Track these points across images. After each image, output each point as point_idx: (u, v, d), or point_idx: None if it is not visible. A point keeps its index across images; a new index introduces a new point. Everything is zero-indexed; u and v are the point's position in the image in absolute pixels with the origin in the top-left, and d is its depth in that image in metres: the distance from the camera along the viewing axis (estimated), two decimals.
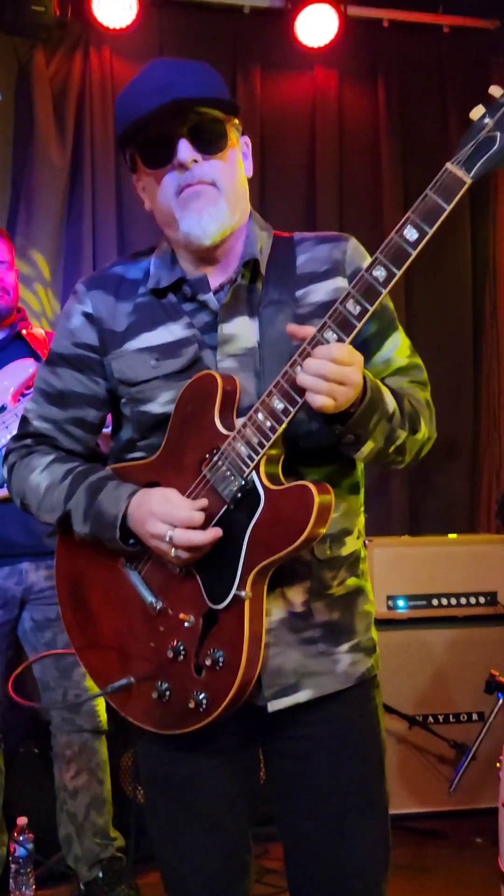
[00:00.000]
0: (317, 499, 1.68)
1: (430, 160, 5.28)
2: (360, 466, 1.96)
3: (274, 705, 1.85)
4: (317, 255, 1.92)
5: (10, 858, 3.44)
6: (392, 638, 4.07)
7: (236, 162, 1.88)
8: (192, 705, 1.79)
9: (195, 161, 1.80)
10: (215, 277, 1.91)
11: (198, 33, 4.95)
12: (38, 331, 3.53)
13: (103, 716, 3.48)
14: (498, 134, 1.59)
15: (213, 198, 1.82)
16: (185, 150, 1.80)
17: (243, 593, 1.74)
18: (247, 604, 1.75)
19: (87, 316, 1.95)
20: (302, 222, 5.05)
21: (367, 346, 1.89)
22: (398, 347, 1.94)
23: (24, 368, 3.42)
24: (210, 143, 1.82)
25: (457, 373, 5.33)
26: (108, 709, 3.49)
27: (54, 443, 2.00)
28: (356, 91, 5.26)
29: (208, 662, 1.78)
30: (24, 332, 3.54)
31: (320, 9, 4.89)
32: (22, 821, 3.48)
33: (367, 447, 1.77)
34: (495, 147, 1.60)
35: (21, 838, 3.44)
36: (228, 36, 5.04)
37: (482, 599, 4.21)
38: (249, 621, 1.75)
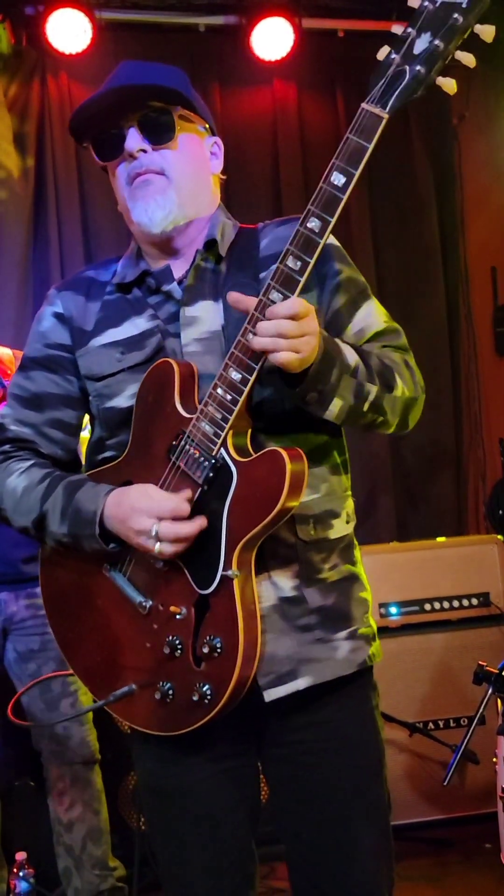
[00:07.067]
0: (289, 464, 1.67)
1: (392, 165, 5.33)
2: (343, 447, 1.94)
3: (270, 694, 1.81)
4: (278, 235, 1.93)
5: (12, 895, 3.36)
6: (387, 646, 3.96)
7: (193, 153, 1.90)
8: (196, 698, 1.75)
9: (143, 150, 1.85)
10: (178, 268, 1.93)
11: (154, 54, 4.93)
12: (4, 350, 3.48)
13: (95, 745, 3.41)
14: (406, 67, 1.62)
15: (162, 187, 1.86)
16: (132, 139, 1.84)
17: (231, 572, 1.71)
18: (235, 583, 1.72)
19: (57, 316, 1.97)
20: None
21: (338, 317, 1.89)
22: (372, 315, 1.93)
23: None
24: (158, 133, 1.85)
25: (435, 377, 5.30)
26: (102, 736, 3.43)
27: (34, 447, 1.99)
28: (316, 101, 5.28)
29: (206, 650, 1.74)
30: None
31: (275, 22, 4.94)
32: (21, 856, 3.40)
33: (336, 405, 1.74)
34: (406, 79, 1.63)
35: (21, 873, 3.37)
36: (185, 55, 5.04)
37: (475, 601, 4.17)
38: (241, 600, 1.72)
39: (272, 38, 4.98)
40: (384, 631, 4.05)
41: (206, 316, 1.87)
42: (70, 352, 1.95)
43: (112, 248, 4.68)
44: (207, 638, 1.74)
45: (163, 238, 1.89)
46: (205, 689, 1.74)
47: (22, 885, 3.36)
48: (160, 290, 1.91)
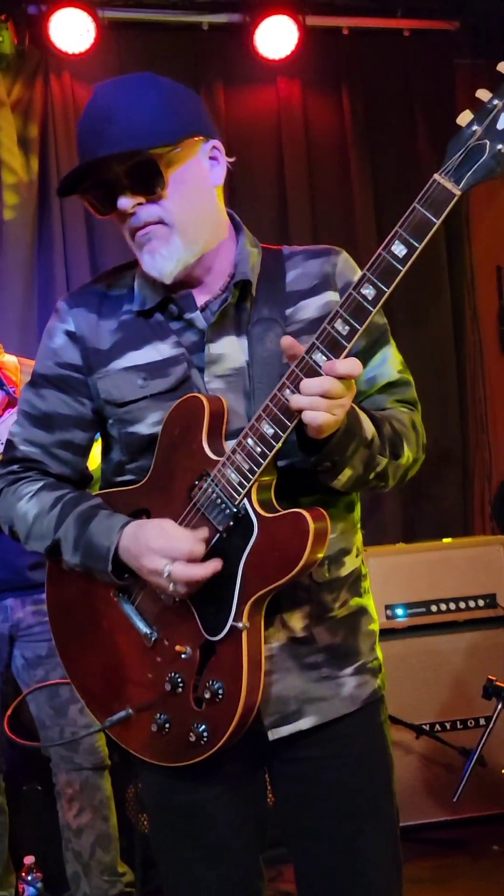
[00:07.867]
0: (312, 525, 1.64)
1: (398, 164, 5.30)
2: None
3: (274, 734, 1.81)
4: (307, 270, 1.89)
5: None
6: (393, 648, 4.02)
7: (190, 184, 1.81)
8: (192, 738, 1.74)
9: (139, 204, 1.77)
10: (200, 295, 1.88)
11: (158, 53, 4.92)
12: (10, 358, 3.46)
13: (104, 750, 3.41)
14: (487, 142, 1.51)
15: (165, 236, 1.79)
16: (124, 201, 1.77)
17: (240, 624, 1.69)
18: (244, 634, 1.69)
19: (69, 335, 1.91)
20: (275, 236, 5.01)
21: None
22: (387, 363, 1.90)
23: None
24: (148, 185, 1.77)
25: (441, 380, 5.29)
26: (111, 741, 3.42)
27: (42, 467, 1.95)
28: (321, 100, 5.23)
29: (208, 695, 1.72)
30: None
31: (279, 20, 4.90)
32: (29, 860, 3.40)
33: (345, 475, 1.71)
34: (485, 156, 1.51)
35: (29, 878, 3.37)
36: (189, 54, 5.02)
37: (481, 602, 4.16)
38: (248, 651, 1.70)
39: (276, 36, 4.94)
40: (391, 633, 4.05)
41: (229, 352, 1.82)
42: (82, 373, 1.90)
43: (116, 251, 4.65)
44: (209, 682, 1.73)
45: (176, 281, 1.83)
46: (201, 729, 1.73)
47: (30, 890, 3.36)
48: (182, 317, 1.86)
